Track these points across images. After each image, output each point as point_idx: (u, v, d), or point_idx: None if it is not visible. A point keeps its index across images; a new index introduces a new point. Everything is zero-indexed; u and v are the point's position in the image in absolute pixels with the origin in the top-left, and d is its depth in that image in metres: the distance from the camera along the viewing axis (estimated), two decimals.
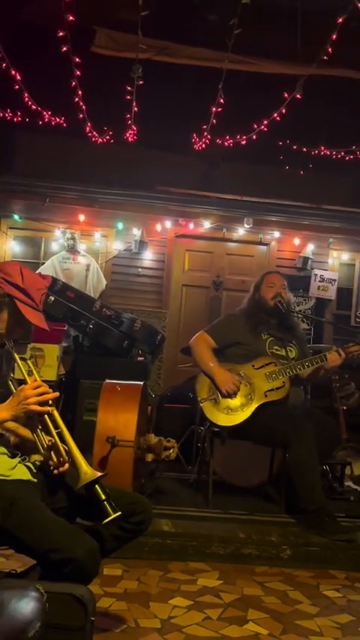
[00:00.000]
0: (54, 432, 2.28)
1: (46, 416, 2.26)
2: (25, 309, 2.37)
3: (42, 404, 2.20)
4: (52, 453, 2.29)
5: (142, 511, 2.38)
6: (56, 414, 2.28)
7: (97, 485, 2.22)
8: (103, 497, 2.21)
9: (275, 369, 4.09)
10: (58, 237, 7.48)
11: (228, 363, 4.21)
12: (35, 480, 2.34)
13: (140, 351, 5.99)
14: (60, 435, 2.29)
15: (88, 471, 2.23)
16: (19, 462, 2.37)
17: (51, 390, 2.24)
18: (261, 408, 4.03)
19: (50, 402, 2.24)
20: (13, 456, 2.37)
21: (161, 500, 4.22)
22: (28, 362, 2.40)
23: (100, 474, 2.24)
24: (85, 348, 6.00)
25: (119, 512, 2.20)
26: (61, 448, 2.28)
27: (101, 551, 2.18)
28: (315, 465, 3.88)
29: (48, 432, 2.29)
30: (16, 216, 7.44)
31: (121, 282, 7.63)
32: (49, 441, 2.31)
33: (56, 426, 2.29)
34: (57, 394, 2.27)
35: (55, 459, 2.29)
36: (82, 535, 2.13)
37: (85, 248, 7.47)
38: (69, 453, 2.28)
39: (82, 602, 1.88)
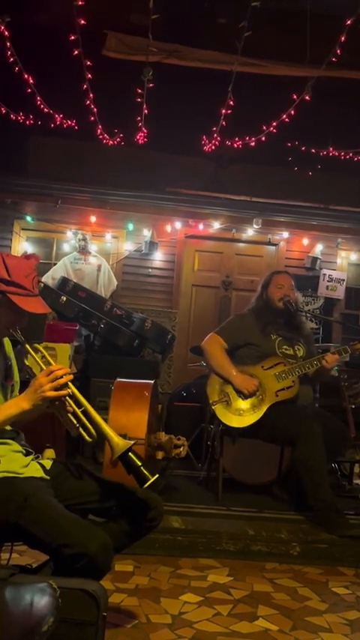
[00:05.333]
0: (78, 411, 2.28)
1: (67, 397, 2.26)
2: (21, 300, 2.29)
3: (58, 388, 2.21)
4: (82, 430, 2.29)
5: (154, 508, 2.39)
6: (77, 392, 2.28)
7: (130, 454, 2.23)
8: (139, 463, 2.23)
9: (284, 369, 4.11)
10: (69, 238, 7.52)
11: (238, 365, 4.22)
12: (48, 478, 2.35)
13: (150, 350, 6.03)
14: (85, 413, 2.29)
15: (120, 442, 2.24)
16: (32, 460, 2.39)
17: (68, 370, 2.24)
18: (270, 407, 4.05)
19: (69, 382, 2.23)
20: (27, 454, 2.39)
21: (172, 497, 4.26)
22: (37, 346, 2.40)
23: (131, 442, 2.25)
24: (97, 347, 6.05)
25: (157, 475, 2.23)
26: (89, 425, 2.28)
27: (113, 547, 2.18)
28: (322, 463, 3.89)
29: (73, 412, 2.29)
30: (28, 218, 7.49)
31: (132, 282, 7.65)
32: (76, 419, 2.29)
33: (79, 405, 2.29)
34: (71, 376, 2.25)
35: (86, 437, 2.28)
36: (94, 531, 2.14)
37: (96, 249, 7.51)
38: (97, 428, 2.27)
39: (95, 598, 1.88)
